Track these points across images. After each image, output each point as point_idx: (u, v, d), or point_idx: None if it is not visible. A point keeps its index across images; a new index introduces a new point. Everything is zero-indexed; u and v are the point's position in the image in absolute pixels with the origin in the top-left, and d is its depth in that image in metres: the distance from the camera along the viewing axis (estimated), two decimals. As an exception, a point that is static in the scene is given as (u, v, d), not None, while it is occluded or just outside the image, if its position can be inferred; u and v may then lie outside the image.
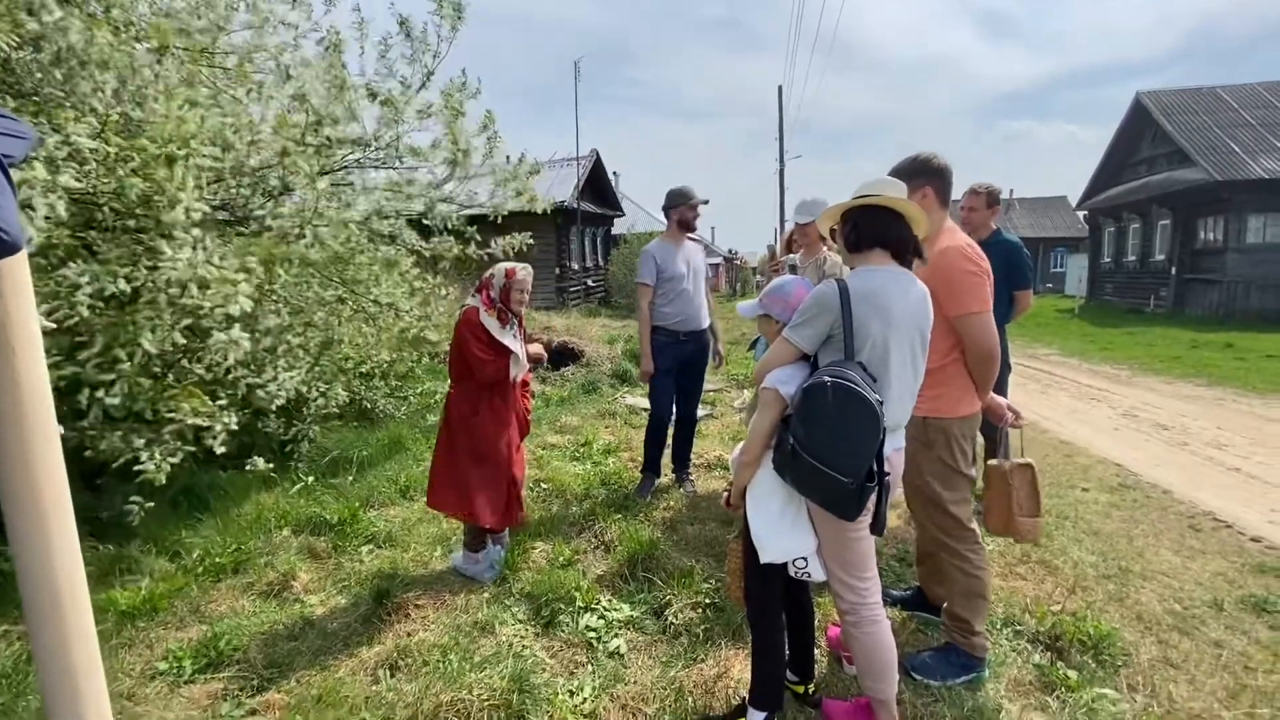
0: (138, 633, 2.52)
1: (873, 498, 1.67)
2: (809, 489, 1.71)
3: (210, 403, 3.08)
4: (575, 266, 18.66)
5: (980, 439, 2.68)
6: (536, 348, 3.01)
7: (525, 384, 3.07)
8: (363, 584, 2.94)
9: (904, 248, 1.85)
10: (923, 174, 2.17)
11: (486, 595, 2.80)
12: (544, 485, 4.04)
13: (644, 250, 3.80)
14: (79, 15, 2.83)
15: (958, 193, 3.51)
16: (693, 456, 4.35)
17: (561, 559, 3.05)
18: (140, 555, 3.11)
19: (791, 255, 3.77)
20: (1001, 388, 3.50)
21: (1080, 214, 25.64)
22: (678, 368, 3.84)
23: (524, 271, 2.83)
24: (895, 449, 1.85)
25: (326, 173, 4.39)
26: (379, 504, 3.86)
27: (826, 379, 1.62)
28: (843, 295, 1.73)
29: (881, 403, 1.63)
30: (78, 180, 2.66)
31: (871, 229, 1.83)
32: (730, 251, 38.78)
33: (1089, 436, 5.52)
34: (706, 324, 3.79)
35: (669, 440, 4.07)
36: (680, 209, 3.77)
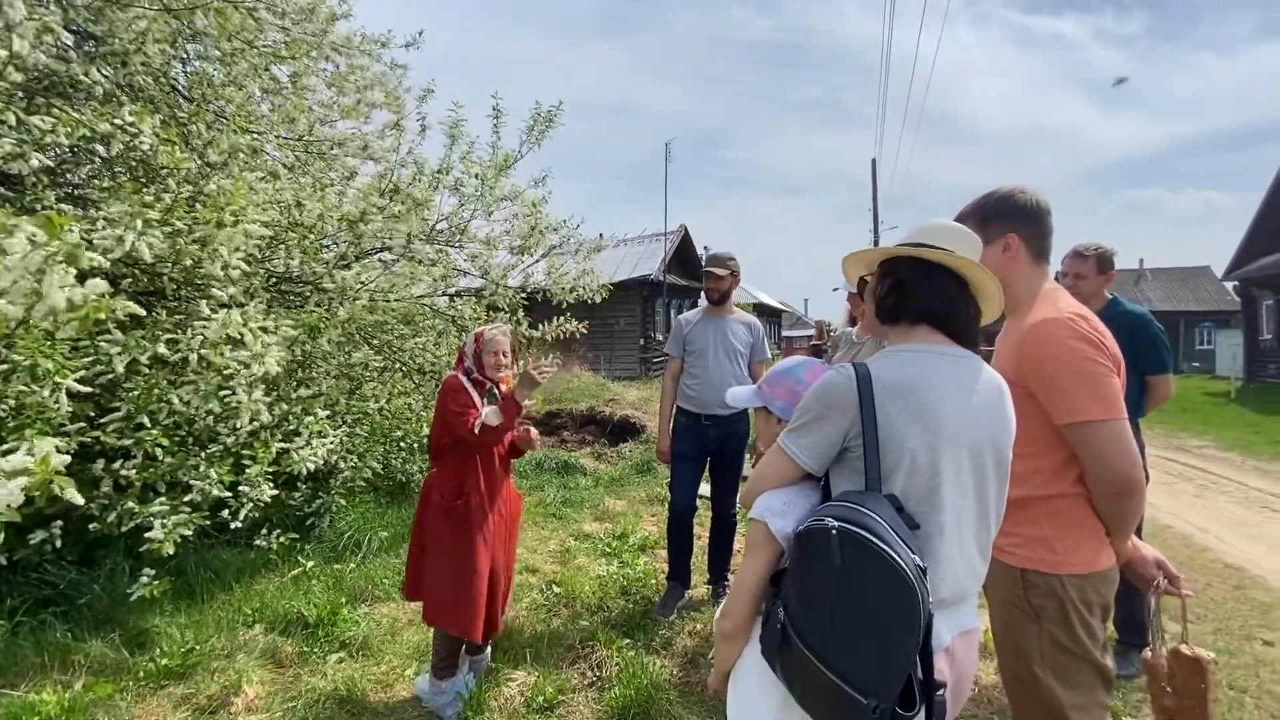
0: (37, 754, 2.16)
1: (914, 725, 1.01)
2: (809, 700, 1.07)
3: (238, 473, 2.86)
4: (660, 337, 18.54)
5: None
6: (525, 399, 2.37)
7: (512, 453, 2.60)
8: (312, 707, 2.47)
9: (966, 329, 1.24)
10: (1002, 215, 1.52)
11: (437, 745, 2.24)
12: (555, 590, 3.46)
13: (676, 319, 3.31)
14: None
15: (1057, 256, 2.76)
16: (735, 565, 3.66)
17: (541, 699, 2.44)
18: (103, 645, 2.82)
19: (850, 329, 3.13)
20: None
21: (1229, 285, 22.72)
22: (703, 455, 3.24)
23: (494, 330, 2.43)
24: (959, 633, 1.18)
25: (385, 249, 4.54)
26: (372, 599, 3.42)
27: (830, 522, 1.02)
28: (862, 387, 1.13)
29: (923, 567, 1.00)
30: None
31: (921, 294, 1.24)
32: (829, 327, 37.56)
33: (1264, 559, 4.26)
34: (739, 409, 3.16)
35: (705, 543, 3.42)
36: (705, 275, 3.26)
